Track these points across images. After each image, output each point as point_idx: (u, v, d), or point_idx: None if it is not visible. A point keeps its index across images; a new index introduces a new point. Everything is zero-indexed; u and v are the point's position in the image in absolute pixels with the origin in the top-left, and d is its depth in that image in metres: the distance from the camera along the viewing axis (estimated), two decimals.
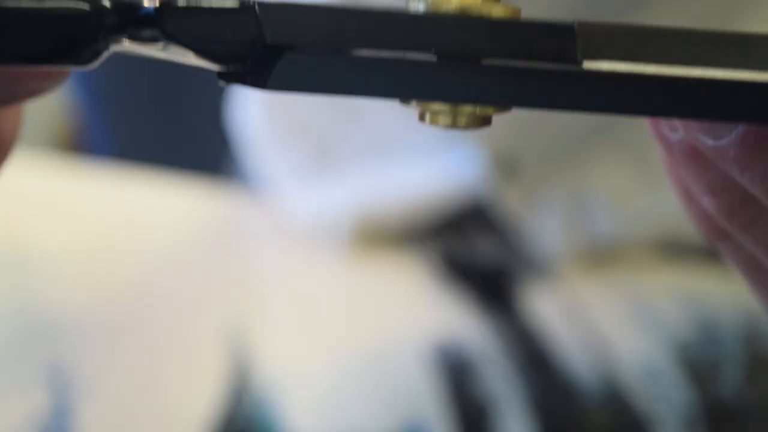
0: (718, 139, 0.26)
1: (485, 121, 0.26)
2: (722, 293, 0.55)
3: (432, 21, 0.24)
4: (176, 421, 0.46)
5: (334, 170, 0.61)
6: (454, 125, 0.26)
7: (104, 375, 0.47)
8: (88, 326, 0.49)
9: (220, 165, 0.71)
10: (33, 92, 0.28)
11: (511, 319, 0.53)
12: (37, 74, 0.27)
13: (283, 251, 0.58)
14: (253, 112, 0.62)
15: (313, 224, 0.58)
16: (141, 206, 0.58)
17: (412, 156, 0.59)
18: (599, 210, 0.58)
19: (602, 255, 0.58)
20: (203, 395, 0.47)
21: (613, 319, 0.53)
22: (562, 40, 0.24)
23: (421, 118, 0.26)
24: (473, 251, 0.58)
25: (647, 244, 0.58)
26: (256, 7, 0.24)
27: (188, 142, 0.86)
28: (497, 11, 0.25)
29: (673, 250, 0.58)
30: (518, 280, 0.56)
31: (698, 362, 0.51)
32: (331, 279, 0.56)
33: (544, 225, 0.57)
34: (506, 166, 0.57)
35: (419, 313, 0.53)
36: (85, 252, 0.54)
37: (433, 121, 0.26)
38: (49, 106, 1.15)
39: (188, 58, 0.26)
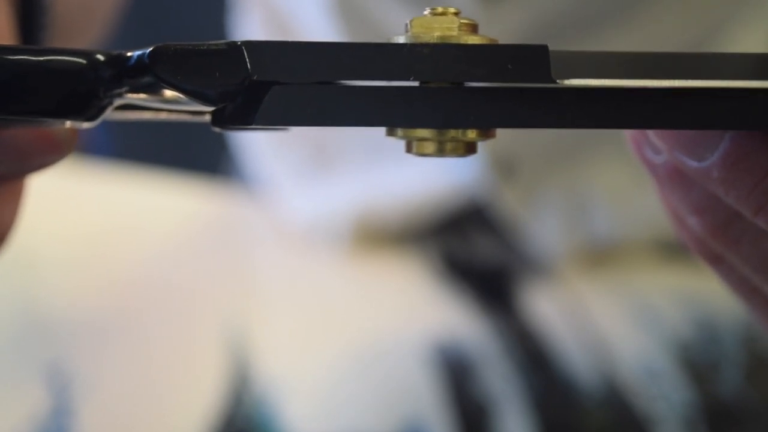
0: (702, 161, 0.27)
1: (470, 149, 0.27)
2: (722, 293, 0.55)
3: (412, 50, 0.25)
4: (176, 421, 0.46)
5: (333, 170, 0.61)
6: (440, 153, 0.26)
7: (104, 375, 0.47)
8: (88, 326, 0.49)
9: (219, 165, 0.71)
10: (41, 166, 0.29)
11: (510, 319, 0.53)
12: (45, 147, 0.28)
13: (283, 251, 0.58)
14: None
15: (312, 224, 0.58)
16: (141, 206, 0.58)
17: (411, 156, 0.59)
18: (598, 210, 0.58)
19: (602, 255, 0.58)
20: (203, 395, 0.47)
21: (613, 319, 0.53)
22: (536, 60, 0.25)
23: (408, 148, 0.27)
24: (473, 251, 0.58)
25: (647, 244, 0.58)
26: (243, 46, 0.25)
27: (188, 142, 0.86)
28: (474, 40, 0.26)
29: (673, 250, 0.58)
30: (518, 280, 0.56)
31: (698, 362, 0.51)
32: (330, 279, 0.56)
33: (544, 225, 0.57)
34: (505, 166, 0.57)
35: (419, 313, 0.53)
36: (85, 252, 0.54)
37: (420, 150, 0.27)
38: None
39: (182, 104, 0.27)
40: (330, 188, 0.60)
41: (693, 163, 0.27)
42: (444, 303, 0.54)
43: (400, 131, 0.27)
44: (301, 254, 0.57)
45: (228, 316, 0.51)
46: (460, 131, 0.26)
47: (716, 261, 0.30)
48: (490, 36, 0.26)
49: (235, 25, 0.67)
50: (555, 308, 0.54)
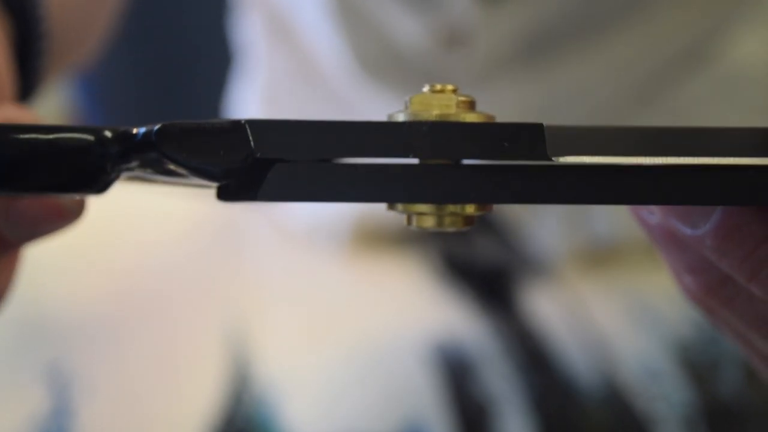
0: (695, 229, 0.28)
1: (469, 221, 0.27)
2: None
3: (412, 128, 0.26)
4: (176, 421, 0.46)
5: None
6: (440, 226, 0.27)
7: (104, 375, 0.47)
8: (88, 326, 0.49)
9: None
10: (49, 232, 0.30)
11: (511, 319, 0.53)
12: (54, 215, 0.30)
13: (283, 251, 0.58)
14: (253, 113, 0.62)
15: (312, 225, 0.58)
16: (141, 206, 0.58)
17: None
18: (599, 210, 0.58)
19: (602, 255, 0.58)
20: (203, 395, 0.47)
21: (613, 319, 0.53)
22: (532, 138, 0.26)
23: (408, 222, 0.27)
24: (473, 251, 0.58)
25: (647, 244, 0.58)
26: (247, 125, 0.26)
27: None
28: (471, 117, 0.27)
29: None
30: (518, 280, 0.56)
31: (698, 362, 0.51)
32: (330, 279, 0.56)
33: (544, 225, 0.57)
34: None
35: (419, 313, 0.53)
36: (85, 252, 0.54)
37: (419, 224, 0.27)
38: (50, 106, 1.15)
39: (186, 179, 0.28)
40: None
41: (687, 230, 0.28)
42: (444, 303, 0.54)
43: (400, 206, 0.27)
44: (302, 254, 0.57)
45: (228, 316, 0.51)
46: (458, 206, 0.27)
47: (711, 312, 0.31)
48: (487, 113, 0.27)
49: (236, 25, 0.67)
50: (555, 308, 0.54)
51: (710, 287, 0.29)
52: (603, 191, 0.26)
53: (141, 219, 0.58)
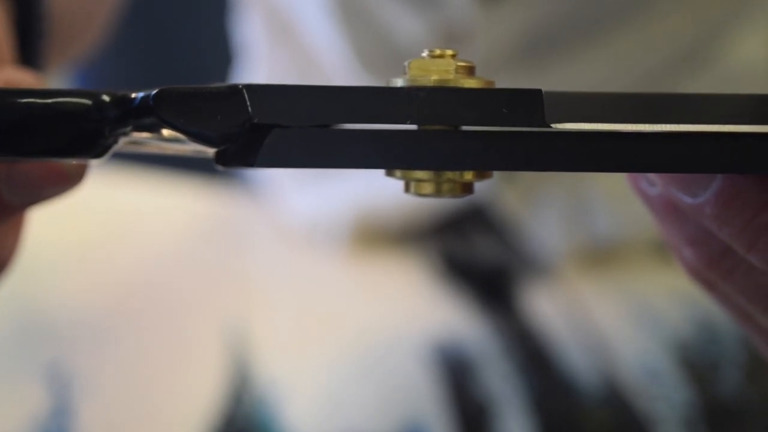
0: (695, 197, 0.27)
1: (467, 189, 0.27)
2: None
3: (411, 93, 0.26)
4: (176, 421, 0.46)
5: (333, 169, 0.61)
6: (438, 193, 0.27)
7: (104, 375, 0.47)
8: (88, 326, 0.49)
9: None
10: (50, 196, 0.30)
11: (510, 319, 0.53)
12: (54, 179, 0.29)
13: (283, 251, 0.58)
14: None
15: (312, 224, 0.58)
16: (141, 206, 0.58)
17: None
18: (599, 210, 0.58)
19: (602, 255, 0.58)
20: (203, 395, 0.47)
21: (613, 319, 0.53)
22: (531, 105, 0.26)
23: (407, 188, 0.27)
24: (473, 251, 0.58)
25: (647, 244, 0.58)
26: (244, 90, 0.26)
27: None
28: (471, 83, 0.26)
29: None
30: (518, 280, 0.56)
31: (698, 362, 0.51)
32: (330, 279, 0.56)
33: (544, 225, 0.57)
34: None
35: (419, 313, 0.53)
36: (85, 252, 0.54)
37: (417, 191, 0.27)
38: None
39: (184, 145, 0.27)
40: (330, 188, 0.60)
41: (687, 199, 0.28)
42: (444, 303, 0.54)
43: (398, 172, 0.27)
44: (302, 254, 0.57)
45: (228, 316, 0.51)
46: (457, 173, 0.27)
47: (711, 287, 0.31)
48: (486, 78, 0.27)
49: (236, 24, 0.67)
50: (555, 308, 0.54)
51: (711, 259, 0.29)
52: (602, 158, 0.26)
53: (141, 219, 0.58)
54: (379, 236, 0.58)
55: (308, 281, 0.56)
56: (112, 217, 0.57)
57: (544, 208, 0.58)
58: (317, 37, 0.60)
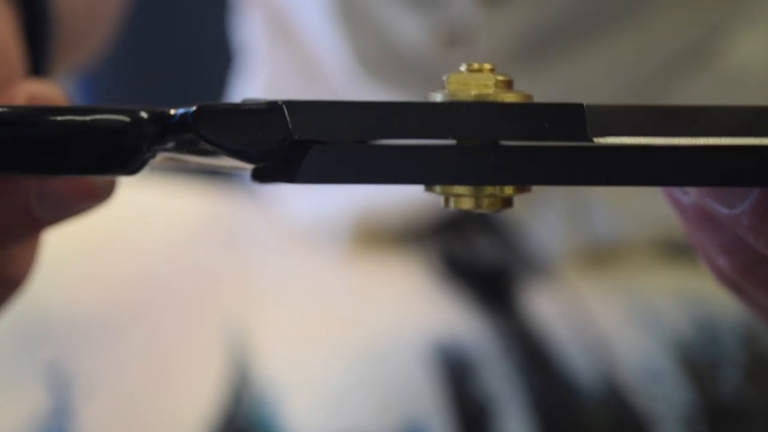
0: (732, 209, 0.27)
1: (507, 203, 0.27)
2: (722, 293, 0.55)
3: (450, 108, 0.26)
4: (176, 421, 0.46)
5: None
6: (477, 208, 0.27)
7: (104, 375, 0.47)
8: (89, 326, 0.49)
9: None
10: (79, 212, 0.30)
11: (510, 319, 0.53)
12: (85, 195, 0.30)
13: (283, 251, 0.58)
14: None
15: (312, 224, 0.58)
16: (141, 206, 0.58)
17: None
18: (599, 210, 0.58)
19: (602, 255, 0.58)
20: (203, 395, 0.47)
21: (613, 319, 0.53)
22: (573, 119, 0.26)
23: (446, 203, 0.27)
24: (473, 251, 0.58)
25: (647, 244, 0.58)
26: (284, 106, 0.26)
27: None
28: (510, 97, 0.26)
29: (673, 250, 0.58)
30: (518, 280, 0.56)
31: (698, 362, 0.51)
32: (330, 279, 0.56)
33: (544, 225, 0.57)
34: None
35: (419, 313, 0.53)
36: (86, 252, 0.54)
37: (457, 205, 0.27)
38: None
39: (221, 160, 0.28)
40: (330, 188, 0.60)
41: (723, 210, 0.28)
42: (444, 303, 0.54)
43: (438, 187, 0.27)
44: (302, 254, 0.57)
45: (228, 316, 0.51)
46: (497, 187, 0.27)
47: (744, 295, 0.31)
48: (525, 92, 0.27)
49: (237, 25, 0.67)
50: (555, 308, 0.54)
51: (745, 268, 0.29)
52: (644, 173, 0.26)
53: (141, 219, 0.58)
54: (379, 236, 0.58)
55: (309, 281, 0.56)
56: (113, 217, 0.57)
57: (545, 209, 0.58)
58: (318, 39, 0.60)
